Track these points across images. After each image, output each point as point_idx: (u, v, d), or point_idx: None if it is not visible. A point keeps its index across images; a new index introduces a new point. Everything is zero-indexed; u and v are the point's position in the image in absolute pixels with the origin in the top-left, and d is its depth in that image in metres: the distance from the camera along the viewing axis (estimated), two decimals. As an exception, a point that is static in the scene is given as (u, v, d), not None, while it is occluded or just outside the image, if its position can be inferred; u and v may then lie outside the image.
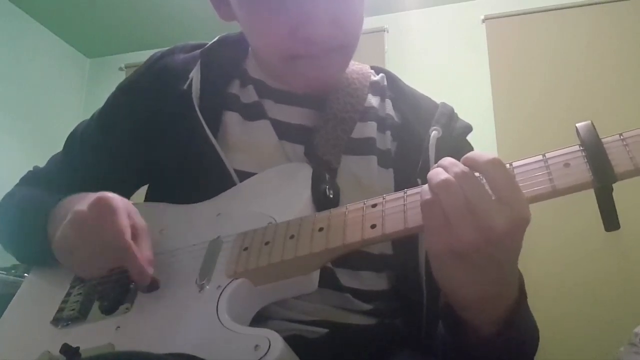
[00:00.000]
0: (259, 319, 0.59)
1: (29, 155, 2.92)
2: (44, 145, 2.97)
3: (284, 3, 0.63)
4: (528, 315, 0.57)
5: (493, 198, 0.45)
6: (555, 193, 0.47)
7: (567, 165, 0.47)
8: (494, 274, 0.48)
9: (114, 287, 0.64)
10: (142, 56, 3.31)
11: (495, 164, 0.47)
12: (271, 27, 0.65)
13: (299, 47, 0.65)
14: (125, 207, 0.60)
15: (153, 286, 0.61)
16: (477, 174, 0.47)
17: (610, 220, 0.45)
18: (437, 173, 0.48)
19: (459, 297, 0.52)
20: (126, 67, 3.46)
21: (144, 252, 0.59)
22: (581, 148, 0.47)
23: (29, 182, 0.84)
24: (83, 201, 0.61)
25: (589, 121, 0.48)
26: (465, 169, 0.47)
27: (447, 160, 0.49)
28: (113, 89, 0.82)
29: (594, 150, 0.46)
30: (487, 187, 0.46)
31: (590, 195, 0.47)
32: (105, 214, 0.58)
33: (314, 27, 0.63)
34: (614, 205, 0.45)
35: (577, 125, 0.48)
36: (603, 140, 0.46)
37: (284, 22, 0.64)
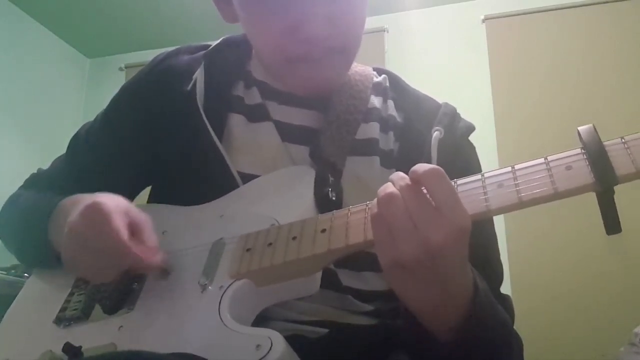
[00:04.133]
0: (260, 320, 0.59)
1: (29, 155, 2.92)
2: (44, 145, 2.98)
3: (282, 3, 0.63)
4: (491, 317, 0.55)
5: (434, 209, 0.46)
6: (557, 195, 0.47)
7: (569, 168, 0.47)
8: (438, 285, 0.48)
9: (116, 287, 0.64)
10: (142, 56, 3.31)
11: (434, 173, 0.47)
12: (271, 27, 0.66)
13: (299, 48, 0.65)
14: (118, 207, 0.60)
15: (164, 274, 0.62)
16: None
17: (612, 223, 0.46)
18: (385, 187, 0.49)
19: (411, 307, 0.52)
20: (126, 67, 3.45)
21: (147, 243, 0.60)
22: (583, 151, 0.48)
23: (33, 184, 0.84)
24: (76, 207, 0.61)
25: (591, 124, 0.48)
26: (410, 181, 0.48)
27: (397, 175, 0.50)
28: (113, 89, 0.82)
29: (596, 153, 0.46)
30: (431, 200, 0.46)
31: (591, 196, 0.47)
32: (97, 222, 0.58)
33: (313, 27, 0.63)
34: (616, 209, 0.45)
35: (579, 128, 0.48)
36: (605, 143, 0.47)
37: (283, 22, 0.64)
